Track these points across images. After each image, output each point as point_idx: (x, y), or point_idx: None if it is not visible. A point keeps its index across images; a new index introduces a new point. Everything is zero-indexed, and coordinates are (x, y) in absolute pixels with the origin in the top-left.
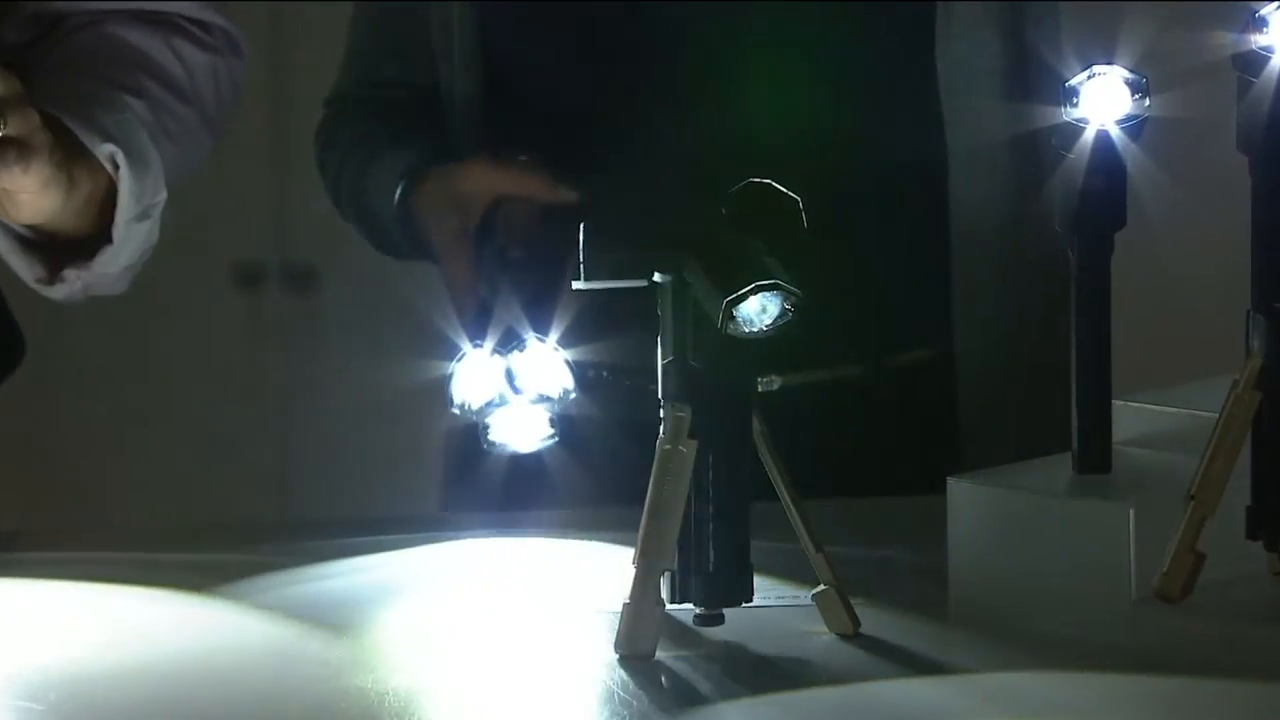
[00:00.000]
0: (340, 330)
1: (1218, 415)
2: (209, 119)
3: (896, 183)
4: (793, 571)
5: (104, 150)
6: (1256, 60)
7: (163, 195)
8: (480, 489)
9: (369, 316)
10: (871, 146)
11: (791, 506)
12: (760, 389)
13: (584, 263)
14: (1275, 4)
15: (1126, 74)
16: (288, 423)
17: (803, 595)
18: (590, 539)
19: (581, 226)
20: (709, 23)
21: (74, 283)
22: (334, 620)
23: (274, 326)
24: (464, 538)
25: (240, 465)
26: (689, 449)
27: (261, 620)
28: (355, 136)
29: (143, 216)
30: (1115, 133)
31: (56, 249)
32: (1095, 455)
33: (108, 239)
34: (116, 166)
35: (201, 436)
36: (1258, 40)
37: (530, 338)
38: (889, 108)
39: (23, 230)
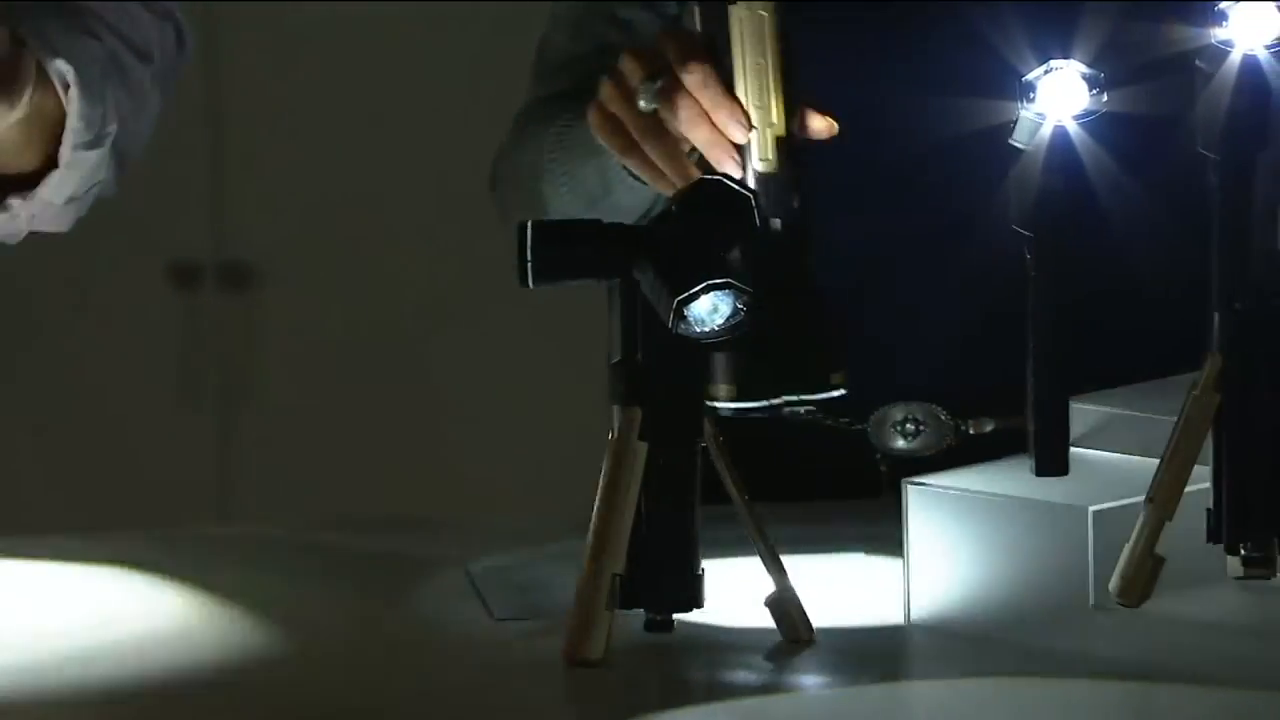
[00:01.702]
0: (277, 331)
1: (1177, 416)
2: (158, 81)
3: None
4: (747, 576)
5: (55, 67)
6: (1216, 54)
7: (113, 126)
8: None
9: (307, 317)
10: None
11: (745, 511)
12: (971, 431)
13: (532, 262)
14: None
15: (1084, 69)
16: (223, 423)
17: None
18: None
19: (528, 226)
20: None
21: (17, 213)
22: None
23: (210, 326)
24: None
25: (174, 466)
26: (639, 451)
27: None
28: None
29: (93, 144)
30: (1073, 128)
31: None
32: (1053, 457)
33: (54, 165)
34: (67, 86)
35: (134, 437)
36: (1217, 34)
37: None
38: None
39: None
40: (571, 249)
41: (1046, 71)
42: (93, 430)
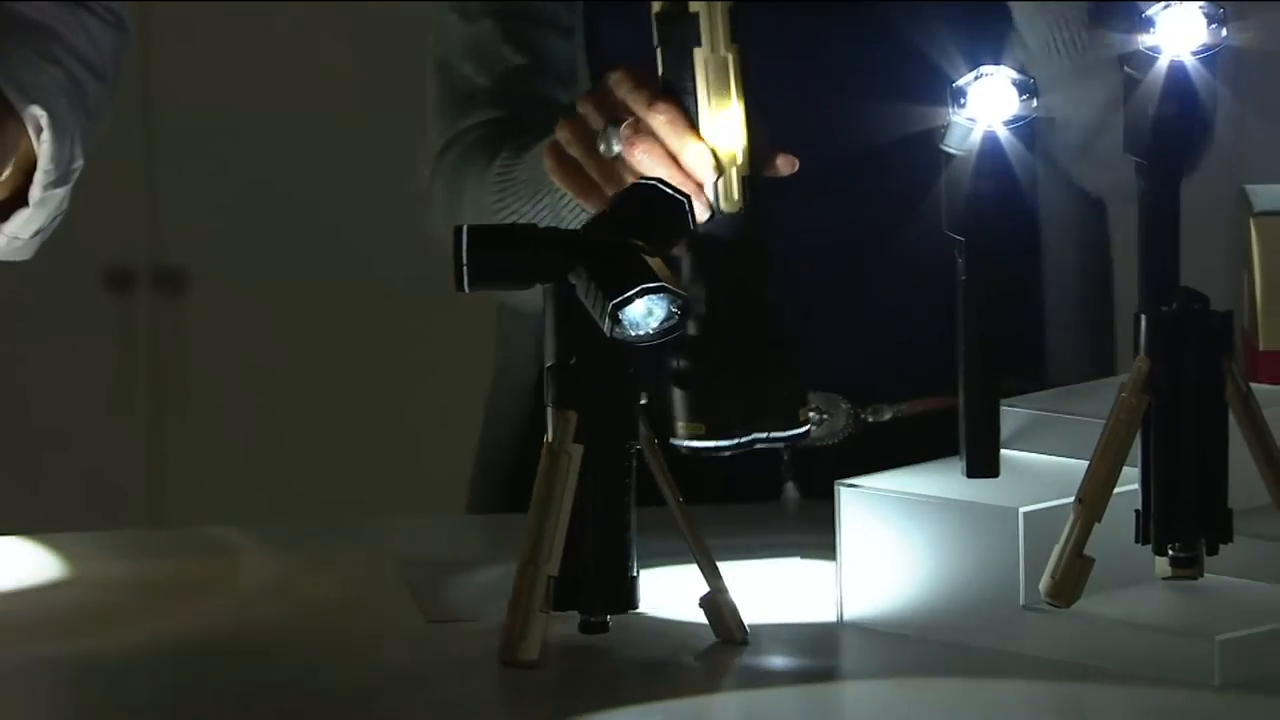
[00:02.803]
0: (210, 335)
1: (1106, 419)
2: (110, 94)
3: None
4: (681, 578)
5: (30, 113)
6: (1143, 60)
7: (80, 162)
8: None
9: (239, 321)
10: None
11: (679, 512)
12: (870, 419)
13: (468, 266)
14: (1163, 4)
15: (1014, 74)
16: (156, 426)
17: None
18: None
19: (464, 230)
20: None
21: None
22: None
23: (144, 330)
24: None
25: (105, 471)
26: (574, 453)
27: None
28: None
29: (60, 182)
30: (1003, 134)
31: None
32: (984, 459)
33: (23, 203)
34: (40, 129)
35: (68, 439)
36: (1145, 40)
37: None
38: None
39: None
40: (507, 254)
41: (977, 77)
42: (27, 432)
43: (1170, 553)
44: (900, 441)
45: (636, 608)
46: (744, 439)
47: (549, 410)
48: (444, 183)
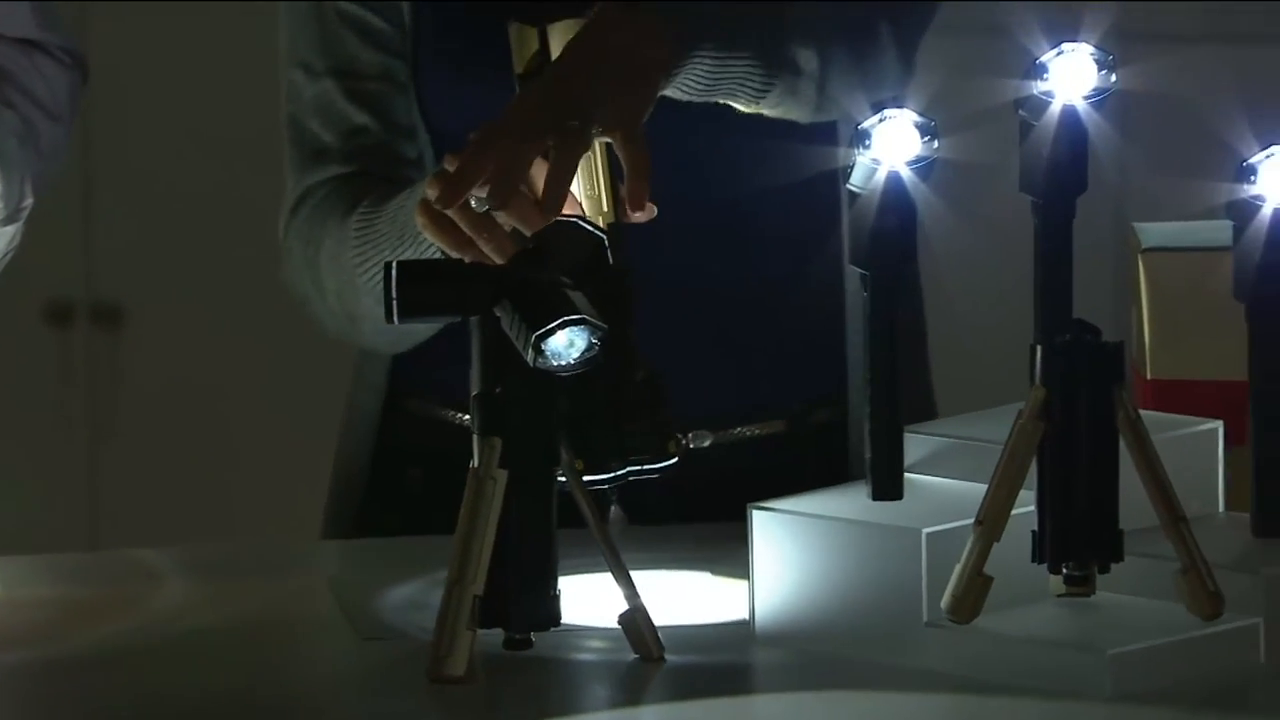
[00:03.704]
0: (145, 367)
1: (1003, 444)
2: (65, 136)
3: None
4: (602, 596)
5: None
6: (1038, 105)
7: (30, 200)
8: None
9: (174, 354)
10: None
11: (599, 533)
12: (691, 445)
13: (397, 300)
14: (1055, 52)
15: (917, 117)
16: (93, 456)
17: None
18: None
19: (394, 266)
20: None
21: None
22: None
23: (82, 363)
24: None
25: (44, 503)
26: (499, 478)
27: None
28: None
29: (9, 220)
30: (906, 173)
31: None
32: (888, 483)
33: None
34: None
35: (7, 469)
36: (1038, 86)
37: None
38: None
39: None
40: (435, 288)
41: (880, 119)
42: None
43: (1064, 571)
44: (722, 466)
45: (558, 624)
46: (618, 473)
47: (474, 438)
48: (298, 236)
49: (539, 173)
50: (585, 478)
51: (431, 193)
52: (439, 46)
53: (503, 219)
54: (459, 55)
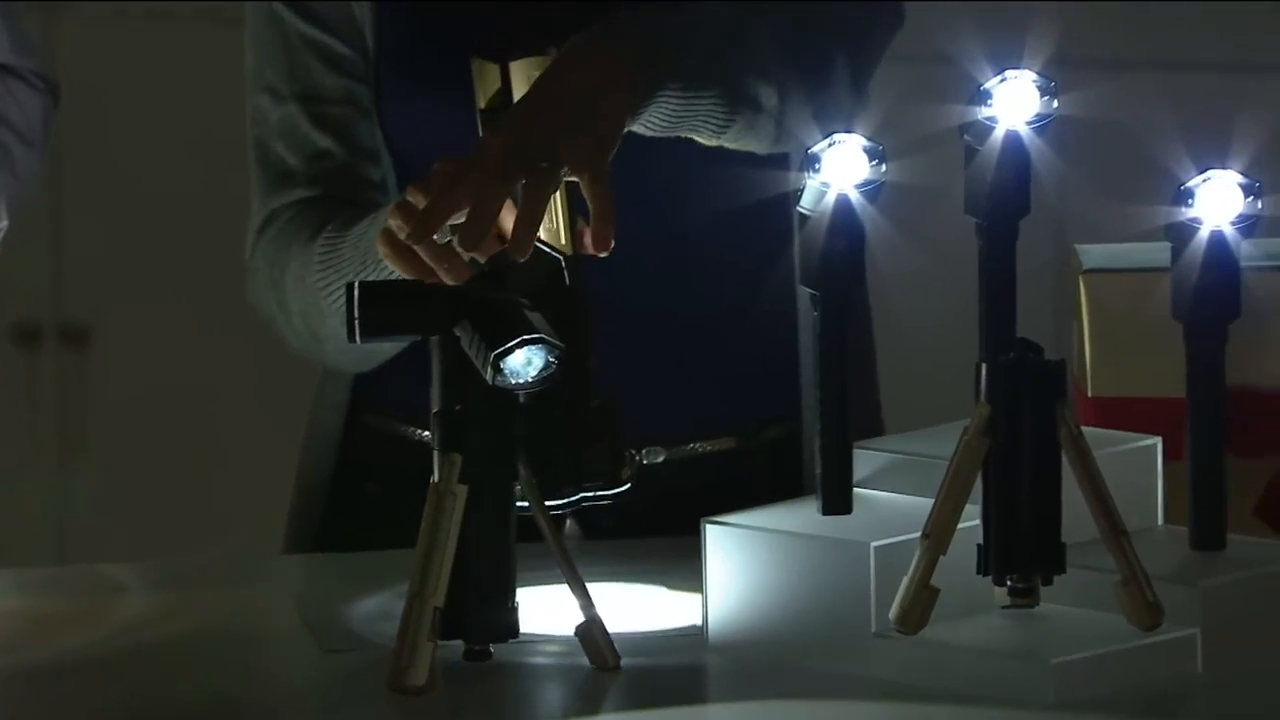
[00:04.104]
0: (114, 388)
1: (949, 460)
2: (40, 161)
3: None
4: (559, 608)
5: None
6: (982, 130)
7: (5, 222)
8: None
9: (142, 375)
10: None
11: (556, 546)
12: (644, 462)
13: (359, 320)
14: (999, 78)
15: (865, 142)
16: (63, 474)
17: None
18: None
19: (355, 287)
20: None
21: None
22: None
23: (51, 383)
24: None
25: (14, 515)
26: (459, 493)
27: None
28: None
29: None
30: (855, 196)
31: None
32: (838, 497)
33: None
34: None
35: None
36: (983, 111)
37: None
38: None
39: None
40: (396, 308)
41: (830, 144)
42: None
43: (1009, 583)
44: (675, 481)
45: (517, 636)
46: (572, 498)
47: (435, 454)
48: (264, 258)
49: (505, 209)
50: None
51: (395, 224)
52: (401, 72)
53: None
54: (421, 80)
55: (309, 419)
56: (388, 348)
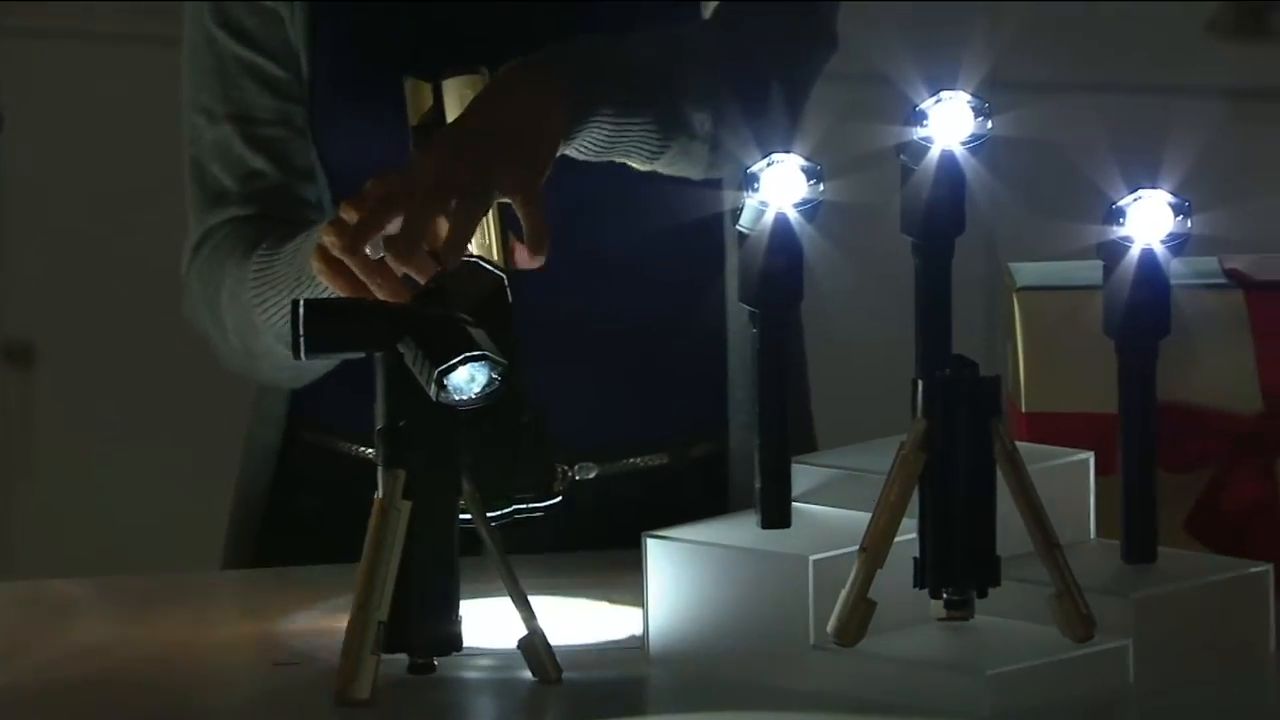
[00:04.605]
0: (58, 406)
1: (886, 474)
2: None
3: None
4: (502, 621)
5: None
6: (917, 150)
7: None
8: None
9: (87, 391)
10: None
11: (499, 560)
12: (576, 477)
13: (304, 336)
14: (934, 99)
15: (803, 161)
16: (8, 491)
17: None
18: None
19: (300, 304)
20: None
21: None
22: None
23: None
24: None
25: None
26: (403, 509)
27: None
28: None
29: None
30: (793, 215)
31: None
32: (777, 512)
33: None
34: None
35: None
36: (918, 132)
37: None
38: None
39: None
40: (341, 325)
41: (769, 164)
42: None
43: (945, 596)
44: (607, 496)
45: (460, 649)
46: (505, 510)
47: (379, 469)
48: (199, 276)
49: (440, 223)
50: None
51: (329, 239)
52: (336, 92)
53: (396, 265)
54: (356, 101)
55: (246, 435)
56: (321, 365)
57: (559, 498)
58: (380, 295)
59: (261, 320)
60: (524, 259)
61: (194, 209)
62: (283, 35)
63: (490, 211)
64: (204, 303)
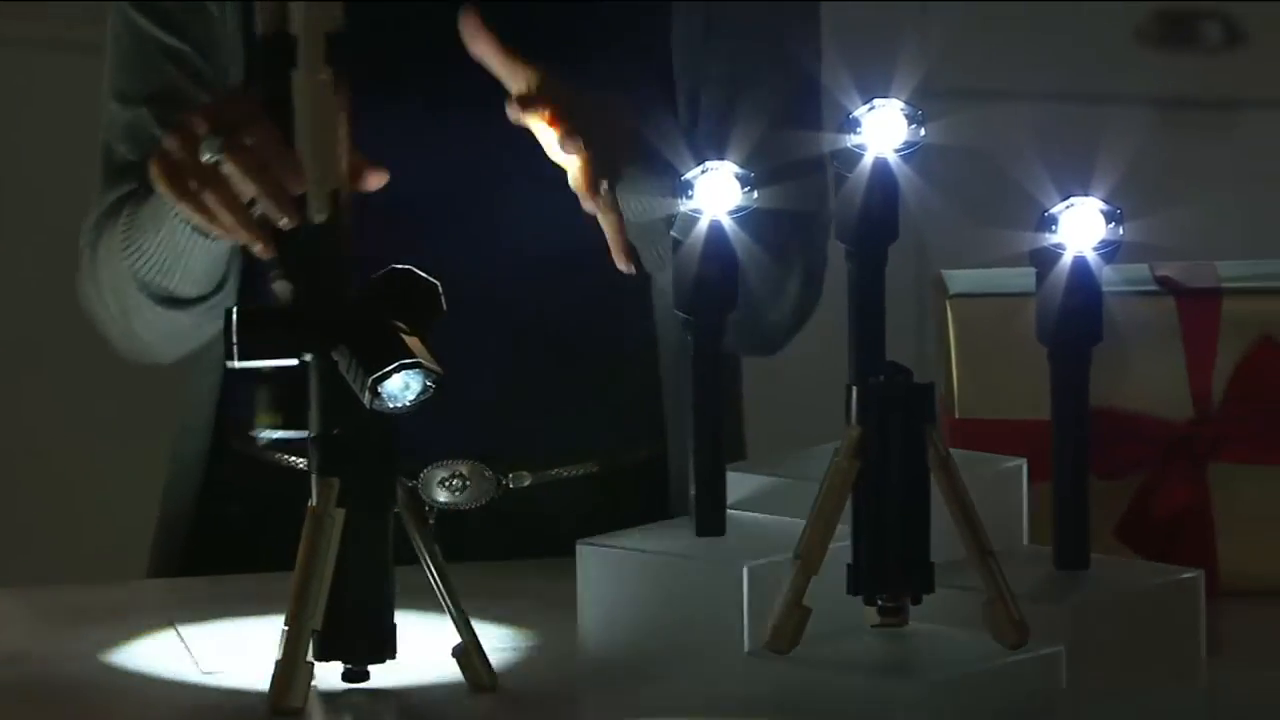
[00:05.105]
0: None
1: (821, 482)
2: None
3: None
4: (437, 629)
5: None
6: (851, 157)
7: None
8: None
9: (11, 404)
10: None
11: (433, 569)
12: (511, 485)
13: (237, 344)
14: (868, 107)
15: (736, 169)
16: None
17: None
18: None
19: (233, 312)
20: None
21: None
22: None
23: None
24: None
25: None
26: (337, 517)
27: None
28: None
29: None
30: (727, 222)
31: None
32: (711, 519)
33: None
34: None
35: None
36: (852, 139)
37: None
38: None
39: None
40: (274, 332)
41: (703, 171)
42: None
43: (879, 603)
44: (541, 506)
45: (395, 657)
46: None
47: (313, 477)
48: (88, 244)
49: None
50: (286, 433)
51: (168, 142)
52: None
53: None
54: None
55: (172, 444)
56: (200, 335)
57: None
58: (213, 205)
59: (127, 266)
60: (368, 178)
61: (99, 188)
62: (210, 31)
63: (331, 116)
64: (88, 270)
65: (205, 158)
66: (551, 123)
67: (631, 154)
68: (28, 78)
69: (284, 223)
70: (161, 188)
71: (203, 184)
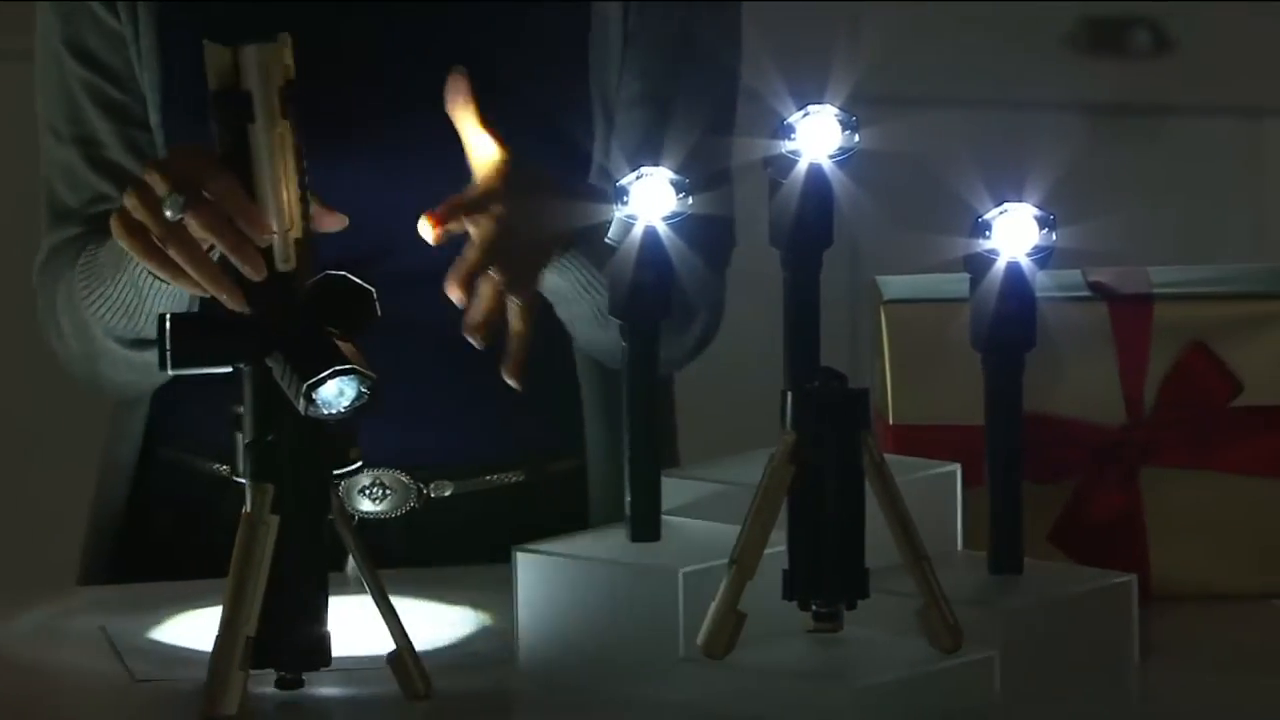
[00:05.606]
0: None
1: (756, 487)
2: None
3: None
4: (371, 636)
5: None
6: (785, 163)
7: None
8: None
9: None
10: None
11: (368, 575)
12: (432, 495)
13: (171, 350)
14: (802, 113)
15: (671, 174)
16: None
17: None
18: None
19: (167, 318)
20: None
21: None
22: None
23: None
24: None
25: None
26: (271, 523)
27: None
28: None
29: None
30: (662, 228)
31: None
32: (647, 524)
33: None
34: None
35: None
36: (786, 145)
37: None
38: None
39: None
40: (208, 339)
41: (638, 177)
42: None
43: (814, 608)
44: (463, 514)
45: (329, 664)
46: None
47: (247, 484)
48: (42, 288)
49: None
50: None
51: (128, 201)
52: (190, 119)
53: (199, 231)
54: (207, 122)
55: (103, 452)
56: (161, 374)
57: (356, 464)
58: (181, 261)
59: (90, 315)
60: (327, 221)
61: (44, 225)
62: (125, 57)
63: (291, 166)
64: (47, 313)
65: (169, 215)
66: (489, 225)
67: (559, 255)
68: None
69: (253, 275)
70: (125, 245)
71: (167, 241)
